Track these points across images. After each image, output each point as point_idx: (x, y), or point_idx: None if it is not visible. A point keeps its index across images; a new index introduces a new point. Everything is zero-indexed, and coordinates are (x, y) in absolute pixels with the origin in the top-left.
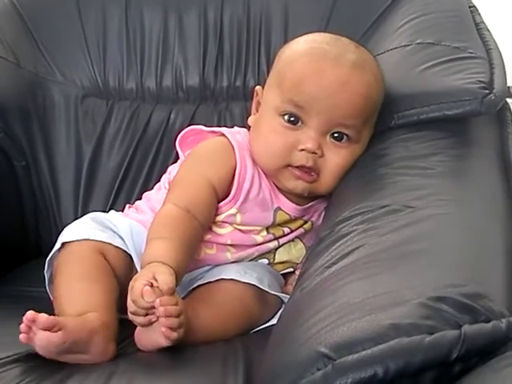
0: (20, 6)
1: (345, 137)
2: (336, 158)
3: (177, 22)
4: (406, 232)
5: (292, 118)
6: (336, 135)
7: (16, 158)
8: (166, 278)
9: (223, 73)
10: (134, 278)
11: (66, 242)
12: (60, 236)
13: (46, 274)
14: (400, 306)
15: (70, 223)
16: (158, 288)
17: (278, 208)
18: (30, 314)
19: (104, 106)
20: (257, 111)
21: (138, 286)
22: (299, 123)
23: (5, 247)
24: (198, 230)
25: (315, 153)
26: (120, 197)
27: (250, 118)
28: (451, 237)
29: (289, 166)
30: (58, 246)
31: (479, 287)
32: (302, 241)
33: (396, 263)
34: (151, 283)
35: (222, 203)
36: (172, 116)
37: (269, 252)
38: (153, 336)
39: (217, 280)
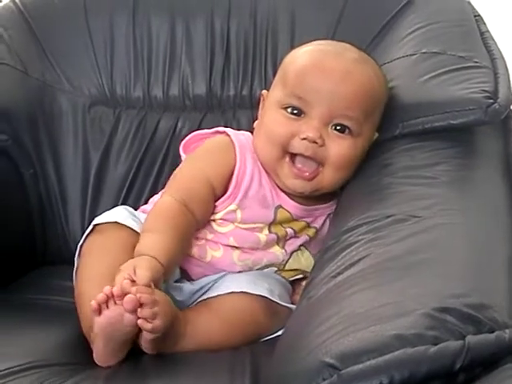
0: (28, 14)
1: (347, 129)
2: (338, 148)
3: (184, 30)
4: (411, 242)
5: (295, 111)
6: (338, 127)
7: (24, 166)
8: (142, 274)
9: (230, 81)
10: (120, 267)
11: (97, 225)
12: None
13: (76, 261)
14: (405, 316)
15: (77, 231)
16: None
17: (279, 206)
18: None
19: (111, 114)
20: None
21: (119, 279)
22: (302, 115)
23: (12, 255)
24: (192, 224)
25: (316, 142)
26: (127, 205)
27: (255, 123)
28: (456, 247)
29: (288, 153)
30: (89, 229)
31: (483, 298)
32: (307, 249)
33: (401, 273)
34: (131, 277)
35: (221, 199)
36: (179, 124)
37: (278, 262)
38: (142, 333)
39: (227, 293)
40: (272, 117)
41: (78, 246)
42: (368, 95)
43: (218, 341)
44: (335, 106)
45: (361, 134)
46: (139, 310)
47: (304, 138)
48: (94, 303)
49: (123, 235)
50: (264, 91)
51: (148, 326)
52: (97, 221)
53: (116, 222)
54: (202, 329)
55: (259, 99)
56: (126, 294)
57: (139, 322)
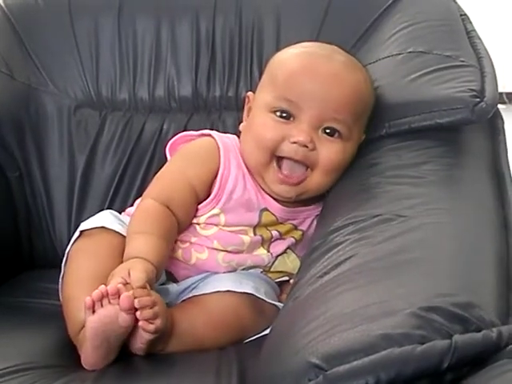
0: (12, 17)
1: (336, 133)
2: (328, 152)
3: (169, 32)
4: (397, 241)
5: (284, 114)
6: (328, 131)
7: (9, 169)
8: (137, 275)
9: (216, 83)
10: (112, 272)
11: (83, 231)
12: (78, 228)
13: (63, 268)
14: (391, 316)
15: (63, 234)
16: (130, 285)
17: (265, 209)
18: (113, 288)
19: (97, 116)
20: (248, 117)
21: (113, 283)
22: (291, 118)
23: None
24: (175, 225)
25: (306, 146)
26: (114, 207)
27: (241, 125)
28: (443, 246)
29: (275, 157)
30: (76, 235)
31: (470, 297)
32: (294, 252)
33: (388, 273)
34: (125, 280)
35: (204, 203)
36: (165, 126)
37: (264, 265)
38: (136, 333)
39: (212, 292)
40: (260, 120)
41: (66, 253)
42: (357, 98)
43: (202, 338)
44: (326, 110)
45: (350, 137)
46: (139, 312)
47: (294, 142)
48: (88, 300)
49: (110, 239)
50: (249, 93)
51: (150, 327)
52: (83, 226)
53: (102, 227)
54: (186, 326)
55: (244, 101)
56: (120, 294)
57: (141, 323)
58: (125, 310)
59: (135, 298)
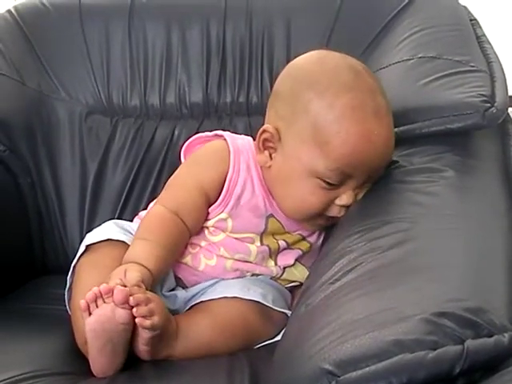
0: (24, 24)
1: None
2: (357, 199)
3: (180, 38)
4: (408, 247)
5: (335, 182)
6: (366, 185)
7: (21, 176)
8: (132, 275)
9: (226, 89)
10: (110, 275)
11: (89, 245)
12: (83, 241)
13: (68, 280)
14: (403, 321)
15: (75, 240)
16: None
17: (271, 215)
18: (106, 287)
19: (108, 123)
20: (264, 149)
21: (110, 284)
22: (339, 185)
23: (11, 264)
24: (184, 232)
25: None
26: (125, 213)
27: (259, 158)
28: (453, 252)
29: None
30: (82, 249)
31: (481, 302)
32: (301, 263)
33: (399, 279)
34: (122, 281)
35: (212, 206)
36: (176, 132)
37: (272, 275)
38: (138, 334)
39: (219, 298)
40: (305, 186)
41: (72, 266)
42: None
43: (209, 343)
44: (373, 174)
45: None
46: (135, 309)
47: (342, 206)
48: (83, 302)
49: (116, 250)
50: (268, 127)
51: (147, 322)
52: (89, 241)
53: (108, 239)
54: (191, 330)
55: (258, 130)
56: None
57: (137, 320)
58: (119, 304)
59: (130, 295)
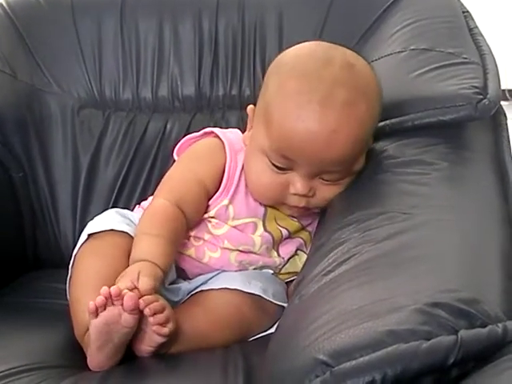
0: (16, 17)
1: (335, 175)
2: (328, 193)
3: (172, 32)
4: (402, 238)
5: (280, 165)
6: (325, 177)
7: (13, 170)
8: (146, 281)
9: (219, 82)
10: (121, 274)
11: (91, 234)
12: (85, 229)
13: (70, 270)
14: (397, 312)
15: (68, 234)
16: (138, 289)
17: None
18: (117, 290)
19: (100, 116)
20: (249, 130)
21: (121, 285)
22: (288, 170)
23: (3, 258)
24: (185, 225)
25: (306, 195)
26: (118, 206)
27: (245, 135)
28: (447, 243)
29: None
30: (83, 237)
31: (475, 292)
32: (304, 252)
33: (392, 270)
34: (134, 284)
35: (214, 197)
36: (168, 126)
37: (275, 266)
38: (146, 337)
39: (220, 288)
40: (258, 163)
41: (73, 255)
42: (356, 147)
43: (206, 336)
44: (323, 165)
45: (350, 172)
46: (151, 318)
47: (294, 194)
48: (91, 305)
49: (118, 241)
50: (250, 107)
51: (164, 330)
52: (91, 229)
53: (111, 229)
54: (188, 325)
55: (247, 104)
56: (123, 295)
57: (154, 328)
58: (128, 310)
59: (146, 305)
